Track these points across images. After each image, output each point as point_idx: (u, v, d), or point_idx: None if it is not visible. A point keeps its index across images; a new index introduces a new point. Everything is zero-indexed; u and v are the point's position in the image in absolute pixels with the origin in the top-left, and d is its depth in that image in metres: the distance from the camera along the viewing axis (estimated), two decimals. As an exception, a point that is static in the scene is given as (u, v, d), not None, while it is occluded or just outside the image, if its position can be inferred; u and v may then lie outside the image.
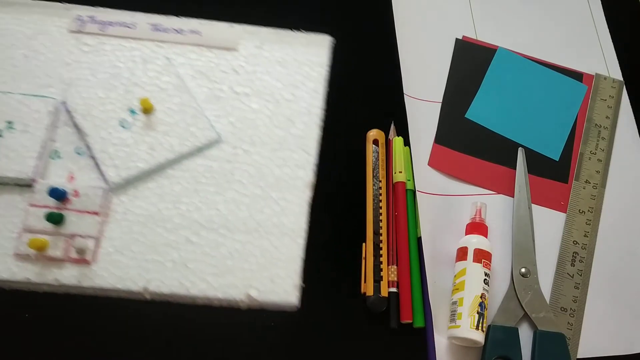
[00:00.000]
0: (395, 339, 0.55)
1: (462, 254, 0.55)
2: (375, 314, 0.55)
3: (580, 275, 0.58)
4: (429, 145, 0.64)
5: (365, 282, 0.56)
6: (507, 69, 0.69)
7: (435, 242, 0.58)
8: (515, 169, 0.62)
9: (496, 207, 0.61)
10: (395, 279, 0.56)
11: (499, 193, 0.62)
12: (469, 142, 0.64)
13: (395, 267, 0.56)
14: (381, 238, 0.58)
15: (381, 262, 0.56)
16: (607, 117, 0.67)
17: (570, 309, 0.56)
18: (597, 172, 0.64)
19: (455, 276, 0.55)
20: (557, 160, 0.64)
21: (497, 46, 0.70)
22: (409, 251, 0.57)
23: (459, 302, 0.53)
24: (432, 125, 0.65)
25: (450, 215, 0.60)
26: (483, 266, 0.53)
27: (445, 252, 0.58)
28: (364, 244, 0.58)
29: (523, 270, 0.56)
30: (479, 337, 0.52)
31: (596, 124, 0.67)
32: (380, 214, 0.59)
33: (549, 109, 0.67)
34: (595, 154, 0.65)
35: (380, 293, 0.55)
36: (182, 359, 0.53)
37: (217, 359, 0.53)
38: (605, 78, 0.70)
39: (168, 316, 0.55)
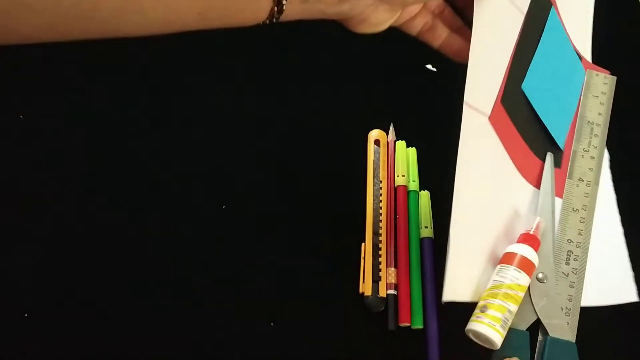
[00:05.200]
0: (394, 340, 0.55)
1: (508, 258, 0.53)
2: (373, 314, 0.56)
3: (575, 274, 0.58)
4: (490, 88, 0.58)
5: (363, 282, 0.56)
6: (554, 39, 0.65)
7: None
8: (541, 159, 0.61)
9: (524, 198, 0.59)
10: (394, 281, 0.56)
11: (528, 181, 0.60)
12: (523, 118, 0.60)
13: (394, 269, 0.57)
14: (380, 239, 0.58)
15: (380, 263, 0.57)
16: (599, 113, 0.68)
17: (566, 307, 0.57)
18: (590, 169, 0.64)
19: (495, 275, 0.53)
20: (562, 149, 0.63)
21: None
22: (410, 253, 0.58)
23: (492, 300, 0.51)
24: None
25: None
26: (525, 273, 0.52)
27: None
28: (363, 244, 0.58)
29: (540, 275, 0.56)
30: (498, 340, 0.50)
31: (589, 121, 0.67)
32: (380, 214, 0.59)
33: (560, 92, 0.65)
34: (588, 152, 0.65)
35: (378, 293, 0.56)
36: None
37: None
38: (597, 74, 0.70)
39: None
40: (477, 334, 0.50)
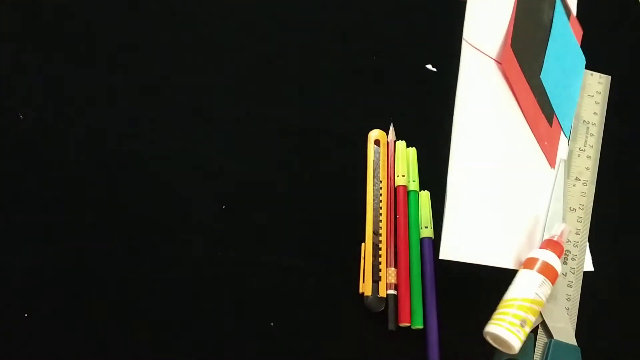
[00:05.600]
0: (394, 340, 0.56)
1: (530, 263, 0.53)
2: (373, 314, 0.56)
3: (573, 274, 0.59)
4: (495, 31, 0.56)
5: (363, 282, 0.57)
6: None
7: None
8: (544, 114, 0.61)
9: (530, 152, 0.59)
10: (394, 281, 0.56)
11: (535, 138, 0.59)
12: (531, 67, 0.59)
13: (394, 269, 0.57)
14: (380, 238, 0.58)
15: (380, 263, 0.57)
16: (594, 113, 0.68)
17: (565, 307, 0.57)
18: (587, 169, 0.65)
19: (538, 288, 0.52)
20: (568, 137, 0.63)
21: None
22: (410, 253, 0.58)
23: (511, 305, 0.51)
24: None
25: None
26: (547, 279, 0.52)
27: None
28: (363, 244, 0.58)
29: None
30: (517, 344, 0.49)
31: (584, 121, 0.67)
32: (380, 214, 0.59)
33: (565, 76, 0.65)
34: (584, 151, 0.66)
35: (378, 293, 0.56)
36: None
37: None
38: (592, 74, 0.70)
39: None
40: (508, 346, 0.50)
